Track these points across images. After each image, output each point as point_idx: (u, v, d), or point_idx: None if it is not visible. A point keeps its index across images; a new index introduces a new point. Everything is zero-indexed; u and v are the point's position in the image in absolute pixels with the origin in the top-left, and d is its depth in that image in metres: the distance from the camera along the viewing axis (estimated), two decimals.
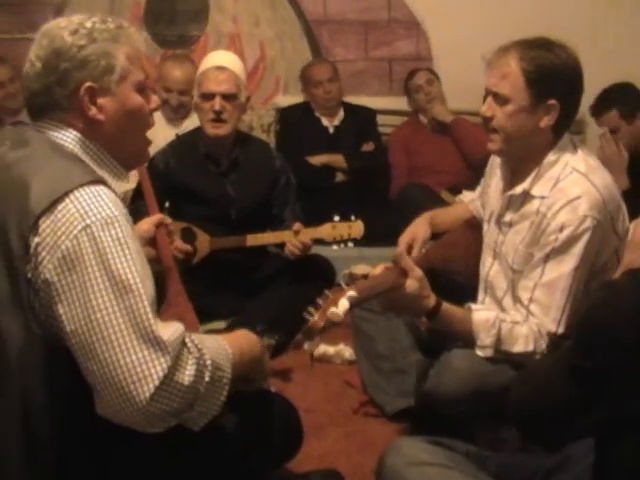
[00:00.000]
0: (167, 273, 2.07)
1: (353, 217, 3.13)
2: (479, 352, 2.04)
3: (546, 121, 2.02)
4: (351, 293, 1.70)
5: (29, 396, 1.44)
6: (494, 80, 2.05)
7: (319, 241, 3.18)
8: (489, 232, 2.28)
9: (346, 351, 3.03)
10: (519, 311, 2.07)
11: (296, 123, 4.41)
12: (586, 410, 1.34)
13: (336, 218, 3.10)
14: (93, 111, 1.56)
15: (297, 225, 3.06)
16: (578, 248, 1.99)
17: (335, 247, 3.17)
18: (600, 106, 3.47)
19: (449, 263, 2.44)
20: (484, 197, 2.41)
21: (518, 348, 2.02)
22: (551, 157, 2.06)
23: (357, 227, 3.12)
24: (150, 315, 1.41)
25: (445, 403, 2.08)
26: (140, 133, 1.68)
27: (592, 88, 3.65)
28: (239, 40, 4.76)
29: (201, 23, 4.79)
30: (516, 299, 2.10)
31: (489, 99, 2.07)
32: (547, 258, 2.02)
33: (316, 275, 3.19)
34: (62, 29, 1.55)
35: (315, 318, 1.66)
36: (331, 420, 2.57)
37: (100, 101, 1.56)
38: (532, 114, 2.02)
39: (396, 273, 1.90)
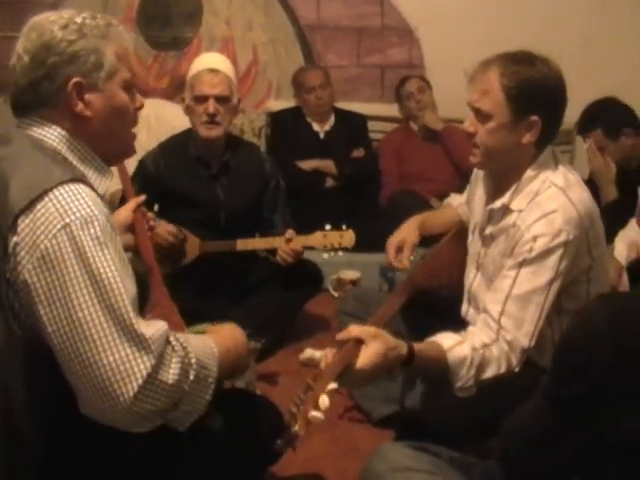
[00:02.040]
0: (150, 274, 2.06)
1: (344, 226, 3.12)
2: (460, 394, 1.95)
3: (528, 137, 2.01)
4: (331, 387, 1.64)
5: (10, 396, 1.43)
6: (476, 96, 2.04)
7: (309, 247, 3.18)
8: (473, 243, 2.28)
9: (330, 354, 3.01)
10: (489, 326, 1.99)
11: (287, 128, 4.41)
12: (568, 437, 1.33)
13: (327, 227, 3.10)
14: (80, 107, 1.55)
15: (289, 232, 3.06)
16: (552, 261, 1.95)
17: (325, 255, 3.16)
18: (584, 125, 3.45)
19: (433, 280, 2.43)
20: (470, 205, 2.41)
21: (490, 372, 1.95)
22: (530, 172, 2.04)
23: (348, 236, 3.12)
24: (131, 313, 1.40)
25: (433, 423, 2.06)
26: (126, 130, 1.67)
27: (582, 100, 3.70)
28: (232, 44, 4.76)
29: (194, 26, 4.78)
30: (485, 312, 2.03)
31: (471, 115, 2.06)
32: (519, 269, 1.97)
33: (304, 280, 3.20)
34: (52, 23, 1.55)
35: (296, 428, 1.59)
36: (316, 425, 2.55)
37: (88, 97, 1.56)
38: (513, 130, 2.00)
39: (352, 346, 1.75)
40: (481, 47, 4.40)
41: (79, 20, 1.56)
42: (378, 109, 4.75)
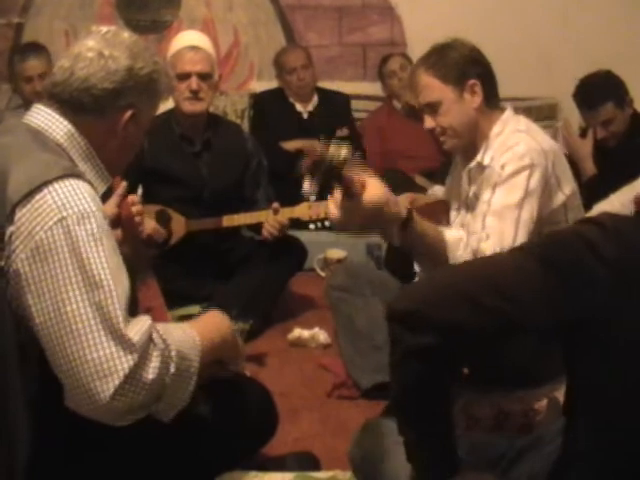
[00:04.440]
0: (138, 263, 2.06)
1: (330, 197, 3.12)
2: None
3: (477, 100, 2.20)
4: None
5: (4, 384, 1.43)
6: (420, 96, 2.24)
7: (296, 224, 3.19)
8: (458, 216, 2.33)
9: (321, 335, 3.04)
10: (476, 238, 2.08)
11: (270, 109, 4.40)
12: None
13: (312, 198, 3.11)
14: (121, 128, 1.61)
15: (275, 204, 3.08)
16: (521, 180, 2.08)
17: (312, 226, 3.17)
18: (594, 99, 3.42)
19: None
20: (450, 192, 2.44)
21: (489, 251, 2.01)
22: (496, 129, 2.21)
23: None
24: (119, 312, 1.40)
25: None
26: (128, 157, 1.73)
27: (565, 75, 3.71)
28: (212, 25, 4.73)
29: (174, 8, 4.75)
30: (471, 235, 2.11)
31: (425, 114, 2.25)
32: (492, 192, 2.10)
33: (288, 255, 3.22)
34: (151, 53, 1.67)
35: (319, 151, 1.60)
36: (305, 404, 2.57)
37: (130, 124, 1.63)
38: (462, 101, 2.20)
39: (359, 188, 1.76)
40: (462, 23, 4.43)
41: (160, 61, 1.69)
42: (361, 88, 4.76)
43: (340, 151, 1.62)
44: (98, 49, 1.58)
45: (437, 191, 2.69)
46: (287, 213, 3.10)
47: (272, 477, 1.88)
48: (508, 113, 2.25)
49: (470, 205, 2.26)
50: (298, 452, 2.15)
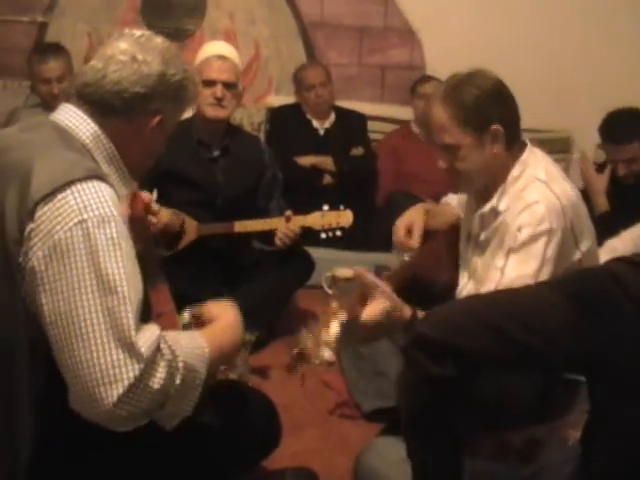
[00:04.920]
0: (149, 266, 2.05)
1: (342, 207, 3.13)
2: None
3: (497, 147, 2.07)
4: (342, 317, 1.66)
5: (14, 380, 1.44)
6: (435, 136, 2.11)
7: (308, 238, 3.18)
8: (466, 250, 2.29)
9: (325, 352, 3.03)
10: None
11: (286, 123, 4.42)
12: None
13: (325, 207, 3.12)
14: (147, 133, 1.62)
15: (288, 212, 3.10)
16: (538, 249, 1.99)
17: (324, 235, 3.17)
18: (621, 136, 3.39)
19: (433, 274, 2.44)
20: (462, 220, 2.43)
21: None
22: (515, 172, 2.10)
23: (346, 216, 3.14)
24: (130, 320, 1.40)
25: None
26: (149, 161, 1.74)
27: (581, 109, 3.71)
28: (234, 37, 4.74)
29: (197, 18, 4.77)
30: None
31: (441, 152, 2.12)
32: (506, 259, 2.02)
33: (296, 268, 3.22)
34: (182, 60, 1.67)
35: (307, 345, 1.61)
36: (307, 419, 2.57)
37: (157, 129, 1.64)
38: (481, 147, 2.06)
39: (359, 299, 1.77)
40: (481, 51, 4.45)
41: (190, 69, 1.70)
42: (377, 109, 4.76)
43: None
44: (131, 52, 1.59)
45: (451, 200, 2.65)
46: (299, 221, 3.10)
47: None
48: (527, 153, 2.12)
49: (480, 246, 2.20)
50: (298, 467, 2.15)
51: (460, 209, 2.55)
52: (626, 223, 3.22)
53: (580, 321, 1.25)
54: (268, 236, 3.14)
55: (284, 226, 3.08)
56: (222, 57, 3.17)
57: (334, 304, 1.70)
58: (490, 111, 2.04)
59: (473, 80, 2.06)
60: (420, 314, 1.83)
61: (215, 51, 3.22)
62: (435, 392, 1.30)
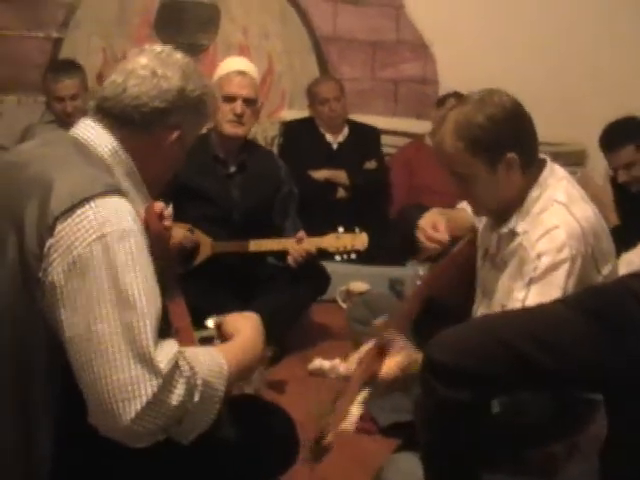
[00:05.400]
0: (166, 280, 2.05)
1: (357, 229, 3.12)
2: None
3: (512, 174, 1.99)
4: (362, 395, 1.65)
5: (32, 391, 1.44)
6: (447, 164, 2.03)
7: (322, 255, 3.18)
8: (483, 269, 2.25)
9: (341, 366, 3.02)
10: None
11: (300, 137, 4.43)
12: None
13: (340, 229, 3.11)
14: (166, 148, 1.62)
15: (301, 233, 3.10)
16: (559, 278, 1.92)
17: (338, 258, 3.15)
18: (614, 141, 3.46)
19: (449, 294, 2.41)
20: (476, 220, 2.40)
21: None
22: (534, 194, 2.02)
23: (361, 239, 3.13)
24: (150, 335, 1.39)
25: None
26: (168, 175, 1.74)
27: (591, 124, 3.71)
28: (247, 52, 4.76)
29: (211, 32, 4.79)
30: None
31: (454, 180, 2.05)
32: (527, 290, 1.94)
33: (311, 282, 3.22)
34: (202, 76, 1.68)
35: (328, 439, 1.59)
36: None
37: (176, 144, 1.64)
38: (495, 176, 1.99)
39: (376, 356, 1.76)
40: (495, 63, 4.46)
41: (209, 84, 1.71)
42: (390, 123, 4.77)
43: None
44: (152, 67, 1.59)
45: (466, 206, 2.61)
46: (314, 242, 3.10)
47: None
48: (546, 172, 2.03)
49: (496, 266, 2.15)
50: None
51: (475, 218, 2.53)
52: (639, 234, 3.21)
53: (598, 338, 1.24)
54: (283, 254, 3.14)
55: (298, 247, 3.07)
56: (242, 73, 3.19)
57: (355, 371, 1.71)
58: (503, 140, 1.96)
59: (484, 108, 1.97)
60: None
61: (235, 67, 3.24)
62: (450, 417, 1.28)
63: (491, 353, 1.26)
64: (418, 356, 1.71)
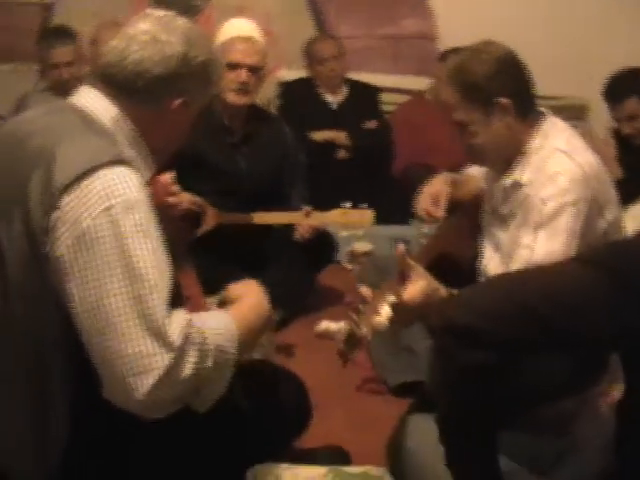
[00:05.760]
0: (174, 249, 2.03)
1: (364, 205, 3.10)
2: None
3: (508, 119, 2.06)
4: (391, 299, 1.62)
5: (47, 369, 1.43)
6: (448, 112, 2.11)
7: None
8: (490, 223, 2.26)
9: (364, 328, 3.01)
10: None
11: (299, 98, 4.38)
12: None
13: (347, 204, 3.07)
14: (170, 116, 1.58)
15: (307, 208, 3.05)
16: (565, 222, 1.97)
17: (344, 233, 3.15)
18: (618, 93, 3.47)
19: (458, 249, 2.40)
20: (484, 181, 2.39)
21: None
22: (535, 143, 2.08)
23: (368, 215, 3.10)
24: (161, 308, 1.37)
25: None
26: (174, 146, 1.70)
27: (592, 76, 3.67)
28: (245, 13, 4.66)
29: None
30: None
31: (455, 130, 2.13)
32: (535, 235, 2.00)
33: (320, 250, 3.18)
34: (206, 42, 1.66)
35: (363, 330, 1.58)
36: (334, 397, 2.55)
37: (181, 112, 1.60)
38: (490, 122, 2.06)
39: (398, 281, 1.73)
40: (493, 18, 4.39)
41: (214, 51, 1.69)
42: (390, 80, 4.72)
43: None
44: (153, 33, 1.55)
45: (473, 171, 2.60)
46: (320, 218, 3.07)
47: (304, 470, 1.86)
48: (548, 124, 2.10)
49: (503, 219, 2.18)
50: (329, 446, 2.13)
51: (483, 181, 2.51)
52: None
53: (619, 296, 1.22)
54: (289, 226, 3.11)
55: (304, 221, 3.04)
56: (247, 39, 3.05)
57: (382, 286, 1.65)
58: (495, 85, 2.03)
59: (477, 56, 2.06)
60: (456, 294, 1.77)
61: (239, 31, 3.09)
62: (471, 380, 1.27)
63: (509, 315, 1.25)
64: (436, 284, 1.71)
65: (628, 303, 1.21)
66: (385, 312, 1.58)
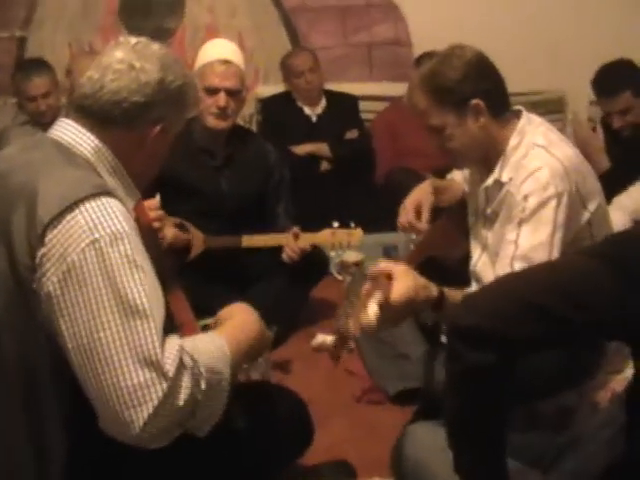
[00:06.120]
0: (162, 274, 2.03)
1: (352, 224, 3.09)
2: None
3: (482, 120, 2.07)
4: (378, 297, 1.62)
5: (39, 403, 1.42)
6: (422, 118, 2.11)
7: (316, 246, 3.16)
8: (476, 225, 2.27)
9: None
10: None
11: (278, 113, 4.38)
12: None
13: (335, 224, 3.07)
14: (150, 142, 1.58)
15: (295, 230, 3.04)
16: (547, 215, 1.98)
17: (333, 253, 3.14)
18: (611, 87, 3.40)
19: (446, 251, 2.42)
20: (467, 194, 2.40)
21: None
22: (513, 142, 2.09)
23: (357, 235, 3.10)
24: (155, 338, 1.36)
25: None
26: (157, 169, 1.71)
27: (571, 69, 3.68)
28: (216, 32, 4.69)
29: (178, 15, 4.71)
30: None
31: (431, 135, 2.13)
32: (518, 231, 2.00)
33: (310, 268, 3.17)
34: (181, 66, 1.64)
35: (350, 326, 1.58)
36: (334, 410, 2.55)
37: (159, 137, 1.60)
38: (465, 123, 2.07)
39: (384, 281, 1.71)
40: (466, 19, 4.41)
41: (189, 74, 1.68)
42: (367, 88, 4.72)
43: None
44: (128, 61, 1.54)
45: (455, 176, 2.61)
46: (308, 239, 3.06)
47: None
48: (524, 121, 2.11)
49: (488, 219, 2.19)
50: (333, 461, 2.14)
51: (465, 184, 2.53)
52: (630, 177, 3.20)
53: (625, 286, 1.23)
54: (276, 250, 3.10)
55: (293, 243, 3.03)
56: (226, 62, 3.01)
57: (368, 285, 1.64)
58: (466, 88, 2.04)
59: (447, 60, 2.07)
60: (448, 291, 1.77)
61: (218, 54, 3.05)
62: (478, 381, 1.27)
63: (518, 313, 1.25)
64: (425, 281, 1.70)
65: (633, 291, 1.21)
66: (373, 311, 1.57)
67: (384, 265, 1.68)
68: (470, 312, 1.30)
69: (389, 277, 1.65)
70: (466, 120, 2.06)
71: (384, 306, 1.61)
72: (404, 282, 1.64)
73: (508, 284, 1.36)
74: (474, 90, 2.05)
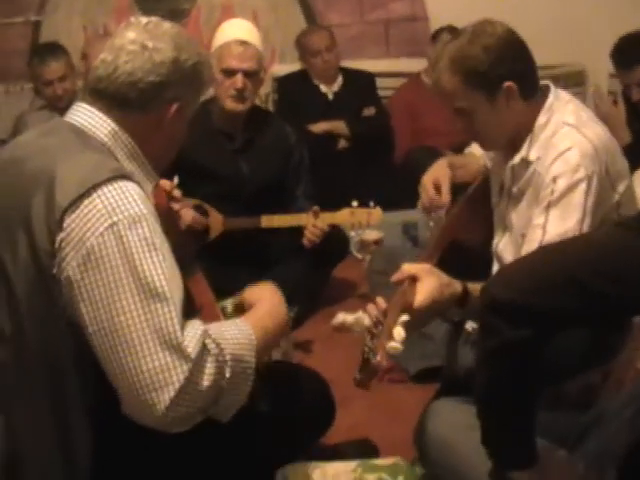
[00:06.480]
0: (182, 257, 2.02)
1: (372, 203, 3.07)
2: None
3: (513, 102, 1.98)
4: (402, 318, 1.60)
5: (63, 390, 1.43)
6: (446, 100, 2.02)
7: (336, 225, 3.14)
8: (499, 204, 2.23)
9: (365, 318, 2.99)
10: None
11: (295, 92, 4.36)
12: None
13: (354, 203, 3.04)
14: (167, 123, 1.57)
15: (315, 208, 3.02)
16: (577, 199, 1.92)
17: (353, 233, 3.12)
18: (630, 59, 3.35)
19: (467, 233, 2.39)
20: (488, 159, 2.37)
21: None
22: (541, 119, 2.01)
23: (376, 214, 3.07)
24: (176, 321, 1.36)
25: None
26: (175, 150, 1.69)
27: (591, 41, 3.63)
28: (231, 11, 4.67)
29: None
30: None
31: (457, 117, 2.04)
32: (546, 214, 1.95)
33: (331, 248, 3.16)
34: (194, 44, 1.63)
35: (378, 358, 1.56)
36: (355, 390, 2.50)
37: (176, 118, 1.58)
38: (497, 106, 1.98)
39: (409, 285, 1.69)
40: None
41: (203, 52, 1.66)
42: (384, 65, 4.69)
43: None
44: (141, 41, 1.52)
45: (475, 149, 2.57)
46: (328, 219, 3.04)
47: (334, 467, 1.86)
48: (552, 98, 2.02)
49: (513, 198, 2.14)
50: (356, 440, 2.14)
51: (486, 158, 2.49)
52: None
53: None
54: (296, 231, 3.07)
55: (312, 223, 3.01)
56: (243, 42, 2.97)
57: (395, 296, 1.63)
58: (499, 70, 1.94)
59: (478, 39, 1.95)
60: (471, 286, 1.74)
61: (235, 35, 3.01)
62: (515, 356, 1.26)
63: (554, 288, 1.24)
64: (448, 278, 1.69)
65: None
66: (398, 335, 1.54)
67: (407, 268, 1.67)
68: (506, 287, 1.28)
69: (414, 279, 1.64)
70: (497, 103, 1.97)
71: (410, 312, 1.58)
72: (428, 283, 1.63)
73: (544, 258, 1.34)
74: (508, 72, 1.95)
